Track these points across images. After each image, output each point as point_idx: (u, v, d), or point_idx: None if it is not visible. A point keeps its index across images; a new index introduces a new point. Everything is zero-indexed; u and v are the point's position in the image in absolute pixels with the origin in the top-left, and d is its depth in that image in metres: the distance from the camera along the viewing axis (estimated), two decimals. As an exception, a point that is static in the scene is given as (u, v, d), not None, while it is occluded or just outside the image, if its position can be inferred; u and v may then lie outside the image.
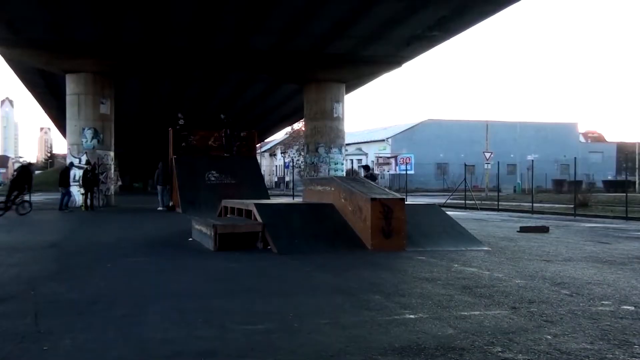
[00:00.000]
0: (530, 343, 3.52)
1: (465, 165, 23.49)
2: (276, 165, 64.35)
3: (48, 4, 14.61)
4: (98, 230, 11.16)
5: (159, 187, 18.30)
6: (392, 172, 41.26)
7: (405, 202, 8.35)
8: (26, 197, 15.26)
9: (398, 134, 48.33)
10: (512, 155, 43.62)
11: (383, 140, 48.15)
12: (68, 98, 19.12)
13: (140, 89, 25.93)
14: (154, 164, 20.67)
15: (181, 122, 18.79)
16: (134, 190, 42.35)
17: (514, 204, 22.34)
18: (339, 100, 20.40)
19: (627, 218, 14.92)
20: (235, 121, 19.69)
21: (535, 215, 16.70)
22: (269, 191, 24.23)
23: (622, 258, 7.28)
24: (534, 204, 18.66)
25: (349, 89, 22.43)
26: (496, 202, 20.69)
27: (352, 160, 44.43)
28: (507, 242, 9.07)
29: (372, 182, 10.01)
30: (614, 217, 15.41)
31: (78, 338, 3.62)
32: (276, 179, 62.53)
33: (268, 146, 67.60)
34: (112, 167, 20.23)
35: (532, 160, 23.33)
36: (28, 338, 3.63)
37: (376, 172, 41.77)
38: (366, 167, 17.30)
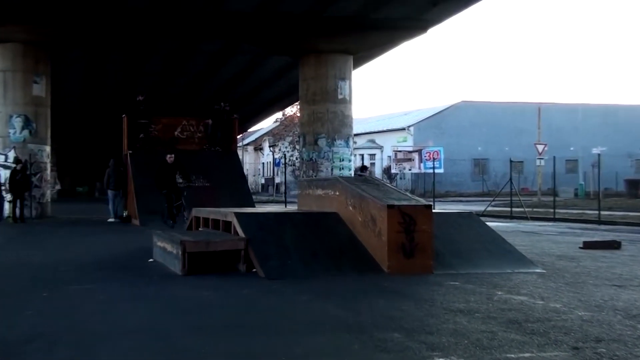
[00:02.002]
0: (597, 394, 3.52)
1: (511, 161, 23.45)
2: (263, 163, 64.41)
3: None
4: (30, 249, 11.15)
5: (109, 192, 18.32)
6: (415, 170, 41.27)
7: (433, 210, 8.35)
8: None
9: (423, 120, 48.33)
10: (572, 148, 43.60)
11: (403, 129, 48.14)
12: (-10, 76, 19.12)
13: (85, 64, 25.95)
14: (103, 162, 20.67)
15: (140, 105, 18.78)
16: (76, 196, 42.35)
17: (575, 211, 22.30)
18: (344, 77, 20.41)
19: None
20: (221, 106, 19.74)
21: (602, 227, 16.70)
22: (254, 196, 24.23)
23: None
24: (602, 212, 18.66)
25: (357, 63, 22.43)
26: (552, 210, 20.68)
27: (362, 155, 44.58)
28: (567, 262, 9.06)
29: (387, 184, 10.01)
30: None
31: (5, 390, 3.62)
32: (263, 181, 62.58)
33: (252, 138, 67.63)
34: (49, 166, 20.24)
35: (599, 155, 23.28)
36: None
37: (394, 171, 41.97)
38: (362, 168, 17.39)
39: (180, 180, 14.82)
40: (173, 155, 14.92)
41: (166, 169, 14.79)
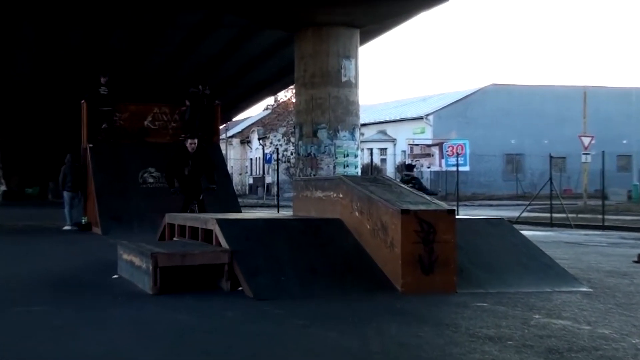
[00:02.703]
0: None
1: (551, 157, 23.53)
2: (251, 159, 64.46)
3: None
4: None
5: (65, 194, 18.32)
6: (435, 168, 41.32)
7: (457, 217, 8.33)
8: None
9: (444, 108, 48.40)
10: (624, 141, 43.71)
11: (421, 119, 48.22)
12: None
13: (36, 41, 25.92)
14: (59, 159, 20.66)
15: (103, 90, 18.77)
16: (25, 199, 42.36)
17: (628, 218, 22.31)
18: (349, 55, 20.38)
19: None
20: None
21: (661, 236, 16.72)
22: (240, 199, 24.23)
23: None
24: (660, 219, 18.67)
25: (365, 38, 22.43)
26: (600, 216, 20.69)
27: (371, 149, 44.65)
28: (618, 279, 9.08)
29: (401, 185, 9.99)
30: None
31: None
32: (251, 180, 62.63)
33: (238, 128, 67.70)
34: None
35: (657, 149, 23.32)
36: None
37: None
38: (408, 167, 17.58)
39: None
40: (196, 141, 13.04)
41: (184, 160, 12.80)
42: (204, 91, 19.60)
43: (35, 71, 31.06)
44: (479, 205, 33.17)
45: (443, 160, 39.59)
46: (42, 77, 32.11)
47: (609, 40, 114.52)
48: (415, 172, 17.73)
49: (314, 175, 19.34)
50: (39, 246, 13.93)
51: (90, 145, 18.26)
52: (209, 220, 8.92)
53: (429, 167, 41.36)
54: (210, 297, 7.62)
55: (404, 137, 45.84)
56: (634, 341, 5.57)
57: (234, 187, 23.68)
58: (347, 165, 20.41)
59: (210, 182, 13.23)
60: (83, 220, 18.01)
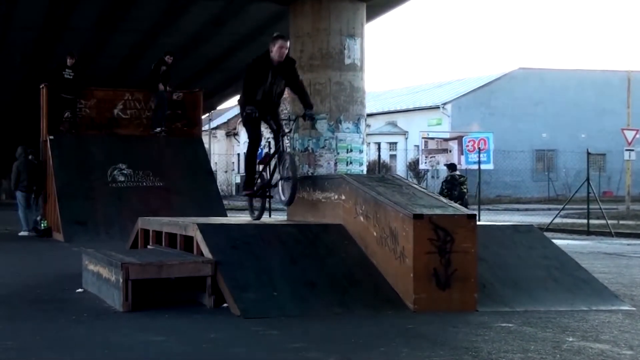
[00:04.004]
0: None
1: (589, 153, 23.51)
2: (239, 154, 64.39)
3: None
4: None
5: (19, 195, 18.29)
6: (453, 166, 41.19)
7: (478, 223, 8.33)
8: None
9: (464, 95, 48.36)
10: (675, 136, 43.60)
11: (437, 108, 48.17)
12: None
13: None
14: (11, 152, 20.66)
15: (68, 73, 18.71)
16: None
17: (678, 225, 22.30)
18: (354, 33, 20.34)
19: None
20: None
21: None
22: (225, 201, 24.20)
23: None
24: None
25: (373, 14, 22.38)
26: (645, 223, 20.68)
27: (378, 144, 44.66)
28: (666, 297, 9.08)
29: (414, 185, 9.99)
30: None
31: None
32: (239, 180, 62.52)
33: (223, 118, 67.59)
34: None
35: None
36: None
37: (424, 166, 41.74)
38: (452, 166, 17.94)
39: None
40: (287, 45, 10.45)
41: (262, 75, 10.34)
42: (167, 69, 19.39)
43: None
44: (505, 210, 33.17)
45: (463, 157, 39.56)
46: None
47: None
48: (457, 173, 18.50)
49: (312, 173, 19.36)
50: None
51: (51, 137, 18.20)
52: (190, 225, 8.92)
53: (446, 165, 41.35)
54: (190, 315, 7.61)
55: (417, 130, 45.73)
56: (683, 368, 5.59)
57: (219, 187, 23.61)
58: (351, 162, 20.39)
59: (307, 106, 10.82)
60: (42, 225, 17.99)
